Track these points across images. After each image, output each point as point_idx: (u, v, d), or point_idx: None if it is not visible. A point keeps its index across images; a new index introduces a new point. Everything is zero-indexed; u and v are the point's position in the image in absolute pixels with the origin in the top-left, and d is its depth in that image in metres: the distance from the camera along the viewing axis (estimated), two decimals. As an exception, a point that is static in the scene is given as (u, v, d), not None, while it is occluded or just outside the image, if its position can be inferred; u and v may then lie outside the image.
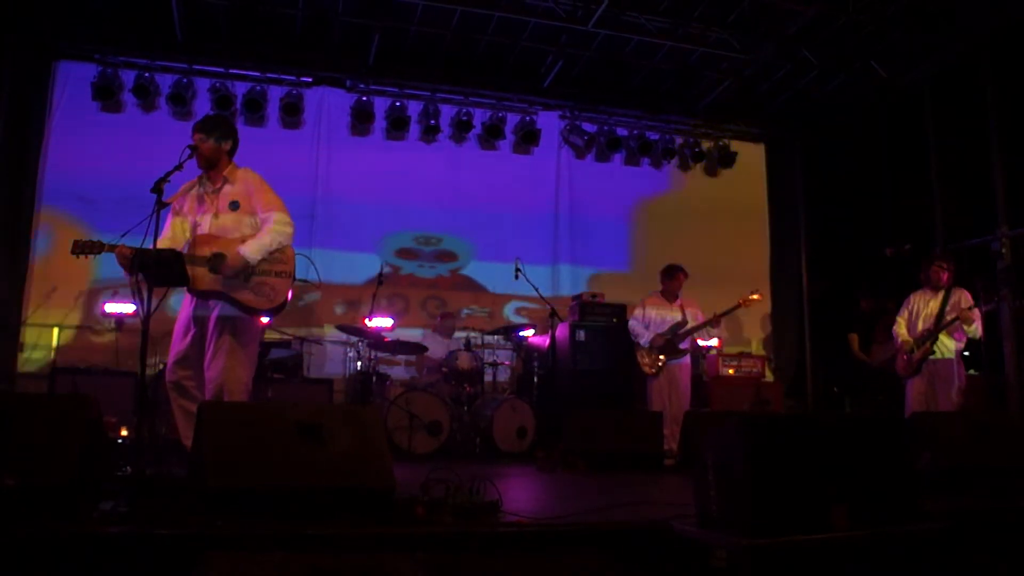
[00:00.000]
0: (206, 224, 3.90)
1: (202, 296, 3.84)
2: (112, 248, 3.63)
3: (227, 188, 3.96)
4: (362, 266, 8.17)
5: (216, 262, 3.79)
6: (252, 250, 3.82)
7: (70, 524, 2.47)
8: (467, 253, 8.86)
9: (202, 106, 8.04)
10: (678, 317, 6.63)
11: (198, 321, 3.86)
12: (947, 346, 5.80)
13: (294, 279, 3.98)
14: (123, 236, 3.58)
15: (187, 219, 3.99)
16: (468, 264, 8.87)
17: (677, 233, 9.26)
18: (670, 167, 9.65)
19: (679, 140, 9.56)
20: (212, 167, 3.98)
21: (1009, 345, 6.71)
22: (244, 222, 3.93)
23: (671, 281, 6.79)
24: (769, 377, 8.75)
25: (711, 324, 6.58)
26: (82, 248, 3.67)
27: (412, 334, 7.99)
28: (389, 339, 7.04)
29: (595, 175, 9.40)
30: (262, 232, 3.89)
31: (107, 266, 7.20)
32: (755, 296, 6.78)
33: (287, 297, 3.96)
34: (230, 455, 2.75)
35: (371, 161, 8.61)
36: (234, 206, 3.93)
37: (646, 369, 6.63)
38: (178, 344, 3.89)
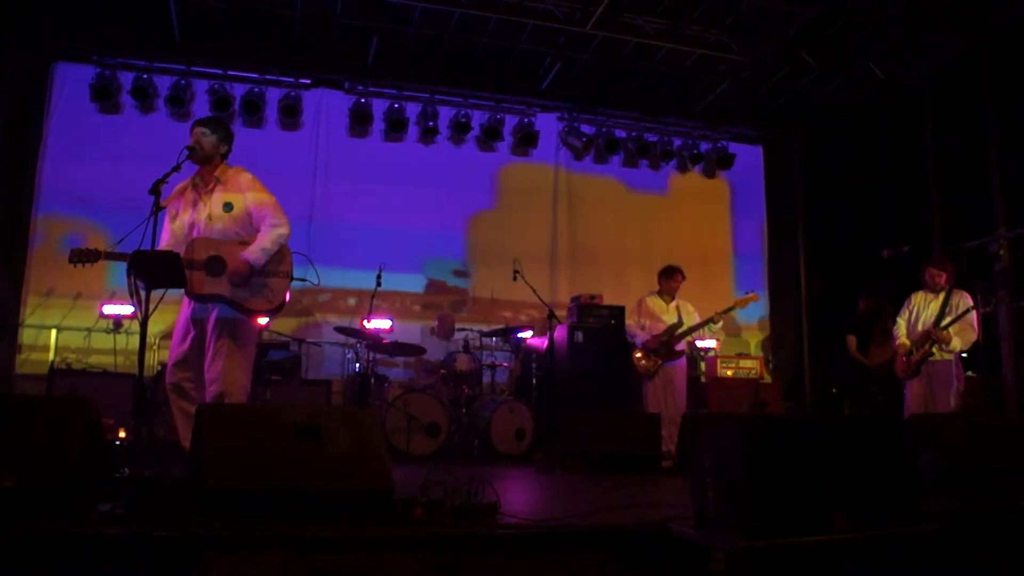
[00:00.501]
0: (201, 226, 3.91)
1: (200, 300, 3.84)
2: (109, 255, 3.64)
3: (219, 189, 3.97)
4: (360, 268, 8.14)
5: (214, 266, 3.79)
6: (255, 255, 3.84)
7: (69, 525, 2.46)
8: (466, 254, 8.85)
9: (200, 108, 8.04)
10: (674, 318, 6.64)
11: (197, 323, 3.87)
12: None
13: (292, 279, 3.99)
14: (120, 242, 3.58)
15: (183, 222, 3.99)
16: (467, 266, 8.85)
17: (675, 234, 9.28)
18: (668, 169, 9.65)
19: (677, 142, 9.56)
20: (206, 164, 3.99)
21: (1007, 347, 6.71)
22: (239, 223, 3.94)
23: (669, 282, 6.79)
24: (767, 378, 8.73)
25: (712, 321, 6.57)
26: (79, 257, 3.68)
27: (411, 328, 8.02)
28: (387, 340, 7.03)
29: (593, 177, 9.40)
30: (260, 235, 3.91)
31: (105, 267, 7.19)
32: (751, 297, 6.79)
33: (285, 298, 3.97)
34: (229, 456, 2.75)
35: (370, 162, 8.60)
36: (227, 208, 3.93)
37: (642, 370, 6.63)
38: (177, 346, 3.90)
